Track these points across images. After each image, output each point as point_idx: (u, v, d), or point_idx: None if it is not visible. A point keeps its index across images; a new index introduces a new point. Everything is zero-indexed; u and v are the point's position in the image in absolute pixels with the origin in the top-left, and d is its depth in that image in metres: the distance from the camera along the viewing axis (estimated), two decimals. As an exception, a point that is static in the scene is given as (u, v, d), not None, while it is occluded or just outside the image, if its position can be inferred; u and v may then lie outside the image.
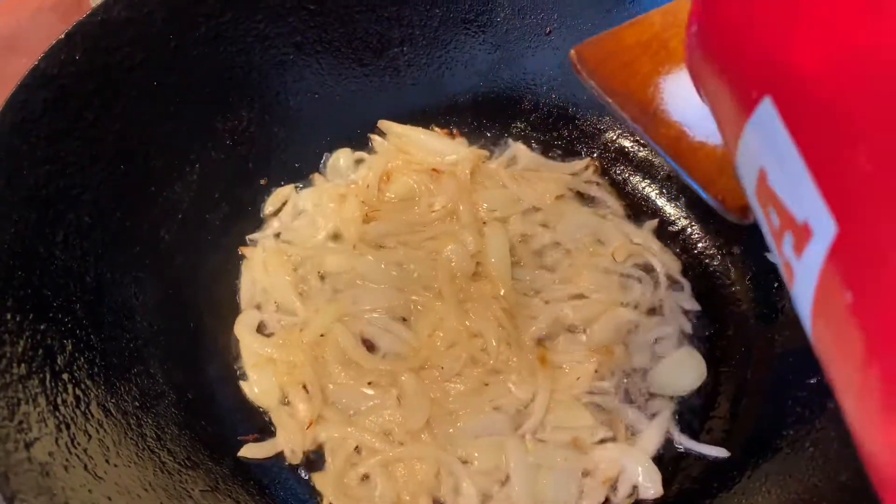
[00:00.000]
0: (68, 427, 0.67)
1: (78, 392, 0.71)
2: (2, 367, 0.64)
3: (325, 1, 1.02)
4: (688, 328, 0.95)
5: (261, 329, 0.93)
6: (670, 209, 1.07)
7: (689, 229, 1.04)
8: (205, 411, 0.84)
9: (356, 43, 1.07)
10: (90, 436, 0.68)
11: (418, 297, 0.95)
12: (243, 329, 0.92)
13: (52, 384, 0.68)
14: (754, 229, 0.95)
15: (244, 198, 1.02)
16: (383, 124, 1.10)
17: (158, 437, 0.76)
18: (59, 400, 0.68)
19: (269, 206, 1.03)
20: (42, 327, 0.71)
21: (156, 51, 0.90)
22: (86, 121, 0.83)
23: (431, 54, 1.10)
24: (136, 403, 0.77)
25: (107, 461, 0.67)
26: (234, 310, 0.94)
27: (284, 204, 1.03)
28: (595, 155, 1.12)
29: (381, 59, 1.09)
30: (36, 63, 0.79)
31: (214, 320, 0.92)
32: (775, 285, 0.94)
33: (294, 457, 0.83)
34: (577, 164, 1.10)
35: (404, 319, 0.94)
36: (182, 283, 0.91)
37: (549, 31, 1.10)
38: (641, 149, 1.10)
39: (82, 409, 0.70)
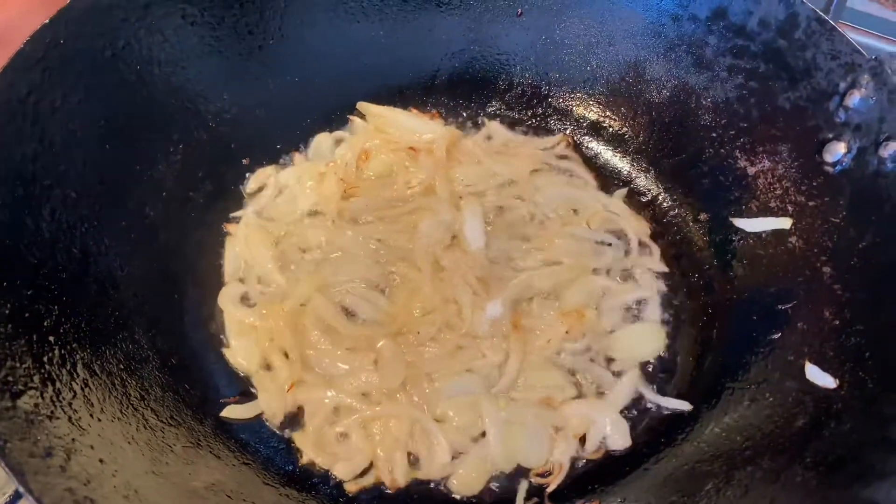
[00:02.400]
0: (53, 383, 0.70)
1: (63, 352, 0.74)
2: (-12, 326, 0.68)
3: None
4: (659, 291, 0.98)
5: (244, 300, 0.96)
6: (641, 180, 1.10)
7: (659, 198, 1.08)
8: (188, 375, 0.87)
9: (335, 27, 1.10)
10: (75, 392, 0.71)
11: (395, 268, 0.98)
12: (227, 300, 0.95)
13: (39, 344, 0.72)
14: (721, 197, 0.99)
15: (227, 177, 1.06)
16: (362, 106, 1.14)
17: (142, 396, 0.79)
18: (45, 359, 0.71)
19: (251, 185, 1.07)
20: (29, 293, 0.75)
21: (138, 36, 0.94)
22: (70, 102, 0.87)
23: (408, 37, 1.14)
24: (121, 366, 0.80)
25: (91, 415, 0.71)
26: (218, 283, 0.98)
27: (266, 183, 1.07)
28: (567, 131, 1.15)
29: (359, 42, 1.12)
30: (21, 46, 0.83)
31: (198, 292, 0.96)
32: (736, 248, 0.97)
33: (275, 417, 0.87)
34: (550, 140, 1.14)
35: (383, 290, 0.97)
36: (167, 258, 0.95)
37: (521, 13, 1.14)
38: (612, 124, 1.14)
39: (67, 367, 0.73)
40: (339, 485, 0.83)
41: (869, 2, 1.39)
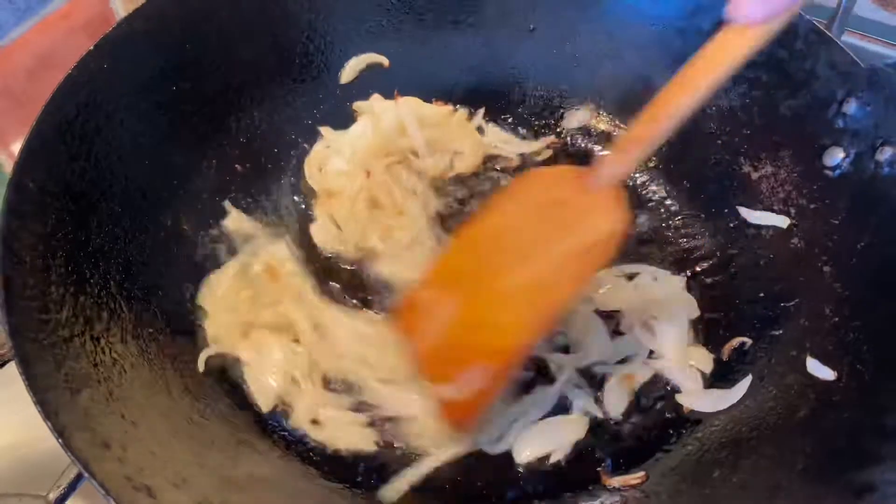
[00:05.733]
0: (106, 381, 0.76)
1: (114, 355, 0.80)
2: (49, 329, 0.74)
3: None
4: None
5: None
6: (650, 185, 1.15)
7: (666, 201, 1.12)
8: (229, 377, 0.93)
9: (357, 45, 1.17)
10: (124, 390, 0.78)
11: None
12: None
13: (92, 346, 0.78)
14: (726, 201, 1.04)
15: (260, 190, 1.11)
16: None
17: (184, 396, 0.86)
18: (96, 359, 0.78)
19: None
20: (82, 299, 0.81)
21: (173, 58, 1.01)
22: (114, 122, 0.93)
23: (425, 54, 1.20)
24: (165, 366, 0.86)
25: (140, 412, 0.77)
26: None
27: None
28: (579, 140, 1.20)
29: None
30: (69, 72, 0.90)
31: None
32: (740, 249, 1.02)
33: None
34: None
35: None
36: (204, 267, 1.01)
37: (533, 28, 1.19)
38: (622, 133, 1.19)
39: (117, 369, 0.79)
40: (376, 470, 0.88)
41: (876, 9, 1.42)
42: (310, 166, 1.14)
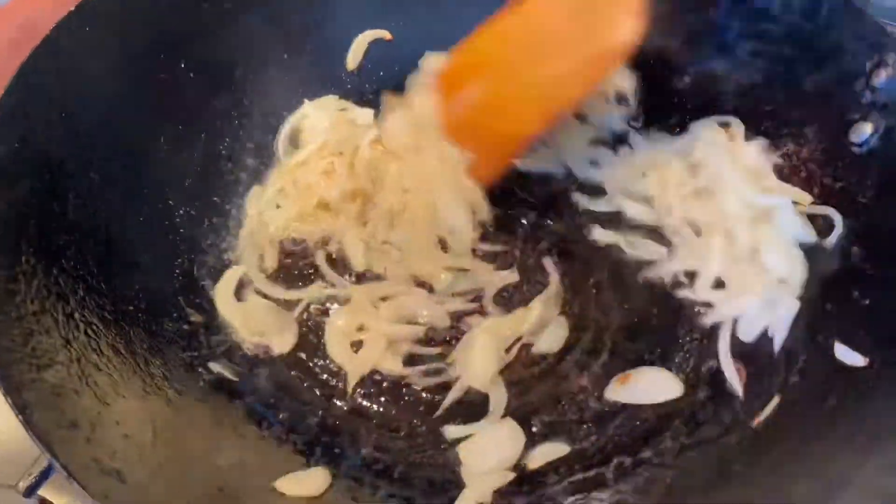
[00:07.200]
0: (79, 360, 0.71)
1: (89, 331, 0.75)
2: (17, 301, 0.69)
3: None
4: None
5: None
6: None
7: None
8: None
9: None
10: (100, 369, 0.72)
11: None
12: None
13: (65, 322, 0.73)
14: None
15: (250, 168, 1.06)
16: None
17: (165, 376, 0.80)
18: (70, 336, 0.72)
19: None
20: (55, 272, 0.76)
21: (163, 31, 0.96)
22: (95, 89, 0.88)
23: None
24: (145, 346, 0.81)
25: (115, 392, 0.71)
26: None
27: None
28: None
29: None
30: (48, 34, 0.84)
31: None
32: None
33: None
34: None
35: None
36: (188, 247, 0.95)
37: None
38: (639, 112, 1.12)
39: (92, 346, 0.74)
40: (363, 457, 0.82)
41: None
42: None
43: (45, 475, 0.81)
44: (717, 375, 0.87)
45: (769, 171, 0.97)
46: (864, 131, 0.88)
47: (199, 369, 0.85)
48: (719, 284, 0.93)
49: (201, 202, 0.99)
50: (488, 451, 0.81)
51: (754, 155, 0.99)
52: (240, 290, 0.95)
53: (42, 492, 0.81)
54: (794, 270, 0.89)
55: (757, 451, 0.76)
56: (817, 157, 0.93)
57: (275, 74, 1.09)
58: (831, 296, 0.85)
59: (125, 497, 0.58)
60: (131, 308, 0.83)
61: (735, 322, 0.89)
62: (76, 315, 0.75)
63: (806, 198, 0.93)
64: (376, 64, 1.14)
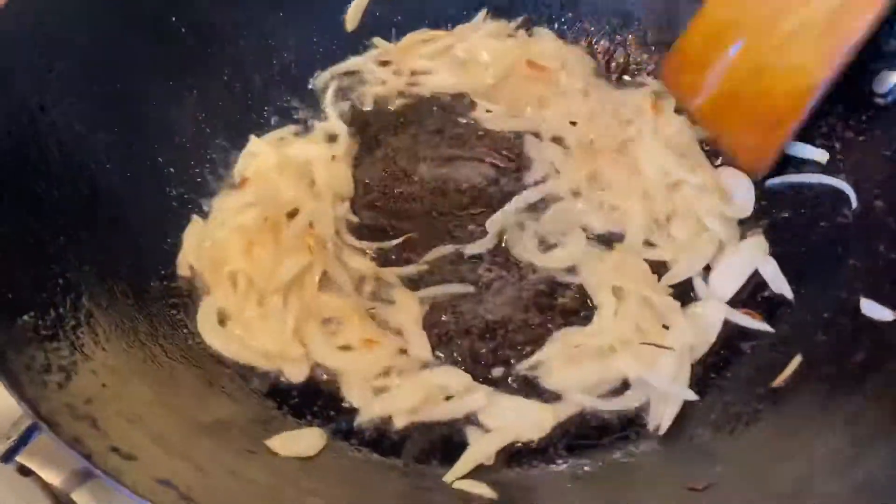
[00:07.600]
0: (56, 308, 0.67)
1: (66, 282, 0.70)
2: (-12, 243, 0.65)
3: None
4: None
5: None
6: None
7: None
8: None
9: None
10: (78, 321, 0.68)
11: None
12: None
13: (41, 269, 0.69)
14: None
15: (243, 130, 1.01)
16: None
17: (151, 333, 0.76)
18: (47, 284, 0.68)
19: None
20: (31, 220, 0.72)
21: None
22: (80, 37, 0.84)
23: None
24: (129, 302, 0.77)
25: (95, 343, 0.67)
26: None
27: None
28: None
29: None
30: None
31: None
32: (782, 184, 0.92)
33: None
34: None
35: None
36: (178, 208, 0.91)
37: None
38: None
39: (71, 297, 0.69)
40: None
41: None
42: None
43: (24, 439, 0.76)
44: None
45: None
46: (889, 81, 0.84)
47: (185, 330, 0.80)
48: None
49: (193, 161, 0.95)
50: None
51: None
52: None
53: (28, 462, 0.76)
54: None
55: (779, 411, 0.72)
56: (838, 110, 0.88)
57: (270, 34, 1.05)
58: (855, 251, 0.80)
59: (98, 444, 0.53)
60: (115, 263, 0.78)
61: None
62: (53, 265, 0.71)
63: (823, 155, 0.88)
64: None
